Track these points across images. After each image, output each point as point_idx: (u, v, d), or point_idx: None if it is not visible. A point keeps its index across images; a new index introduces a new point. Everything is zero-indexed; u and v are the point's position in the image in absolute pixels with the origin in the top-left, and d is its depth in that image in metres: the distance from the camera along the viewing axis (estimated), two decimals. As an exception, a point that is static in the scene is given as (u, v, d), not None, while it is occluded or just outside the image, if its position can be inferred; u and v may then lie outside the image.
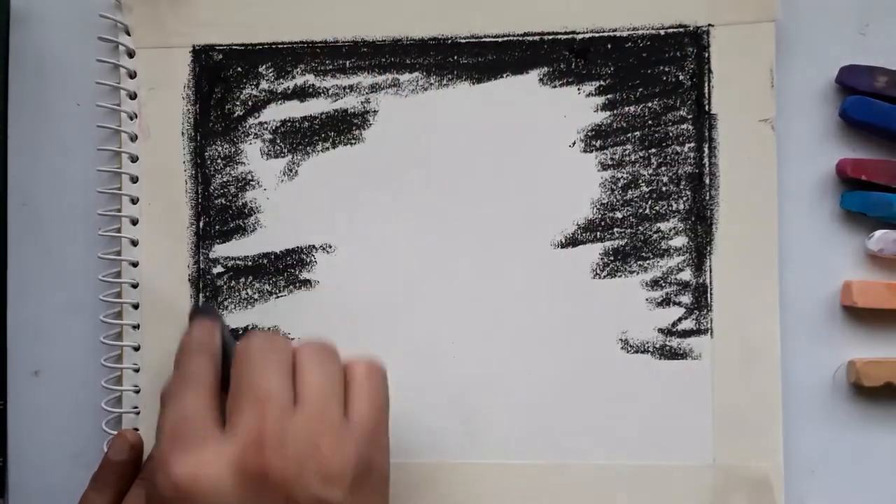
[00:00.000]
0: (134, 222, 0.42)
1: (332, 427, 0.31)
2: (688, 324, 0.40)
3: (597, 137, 0.40)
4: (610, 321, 0.40)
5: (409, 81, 0.41)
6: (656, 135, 0.40)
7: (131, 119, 0.42)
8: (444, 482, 0.40)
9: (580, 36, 0.40)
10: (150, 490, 0.31)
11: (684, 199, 0.40)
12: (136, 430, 0.41)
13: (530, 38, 0.41)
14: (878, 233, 0.39)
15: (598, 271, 0.40)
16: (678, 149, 0.40)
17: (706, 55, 0.40)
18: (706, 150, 0.40)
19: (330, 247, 0.41)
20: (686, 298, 0.40)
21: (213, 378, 0.33)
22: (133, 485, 0.40)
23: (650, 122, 0.40)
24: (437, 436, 0.40)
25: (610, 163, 0.40)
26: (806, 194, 0.40)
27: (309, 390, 0.32)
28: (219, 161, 0.42)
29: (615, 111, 0.40)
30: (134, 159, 0.42)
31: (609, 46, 0.40)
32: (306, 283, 0.41)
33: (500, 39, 0.41)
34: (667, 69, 0.40)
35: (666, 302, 0.40)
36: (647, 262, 0.40)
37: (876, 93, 0.39)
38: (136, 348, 0.42)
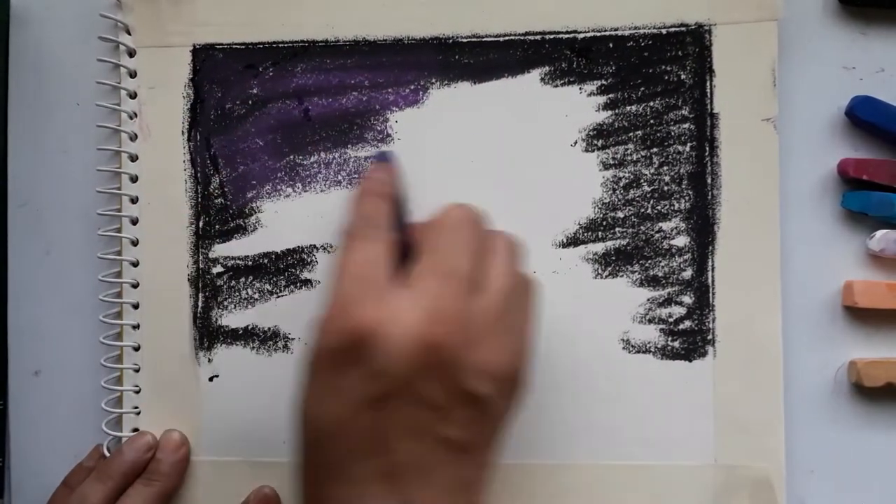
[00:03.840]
0: (134, 222, 0.42)
1: (506, 327, 0.31)
2: (689, 323, 0.40)
3: (598, 137, 0.40)
4: (611, 321, 0.40)
5: (410, 80, 0.41)
6: (658, 134, 0.40)
7: (131, 118, 0.42)
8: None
9: (582, 35, 0.40)
10: (321, 334, 0.30)
11: (686, 198, 0.40)
12: (136, 429, 0.41)
13: (532, 38, 0.41)
14: (880, 233, 0.39)
15: (600, 271, 0.40)
16: (680, 148, 0.40)
17: (708, 54, 0.40)
18: (708, 149, 0.40)
19: (330, 246, 0.41)
20: (688, 298, 0.40)
21: (390, 223, 0.33)
22: (136, 482, 0.40)
23: (652, 121, 0.40)
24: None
25: (612, 162, 0.40)
26: (807, 194, 0.40)
27: (495, 283, 0.31)
28: (219, 160, 0.42)
29: (617, 110, 0.40)
30: (134, 159, 0.42)
31: (611, 45, 0.40)
32: (307, 282, 0.41)
33: (501, 39, 0.41)
34: (668, 68, 0.40)
35: (668, 302, 0.40)
36: (649, 261, 0.40)
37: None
38: (136, 348, 0.41)
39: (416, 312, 0.29)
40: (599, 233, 0.40)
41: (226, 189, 0.42)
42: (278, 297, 0.41)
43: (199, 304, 0.42)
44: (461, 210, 0.33)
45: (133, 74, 0.42)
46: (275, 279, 0.41)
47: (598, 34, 0.40)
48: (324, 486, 0.30)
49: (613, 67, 0.40)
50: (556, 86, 0.40)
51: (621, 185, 0.40)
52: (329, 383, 0.30)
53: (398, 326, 0.29)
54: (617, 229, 0.40)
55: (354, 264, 0.31)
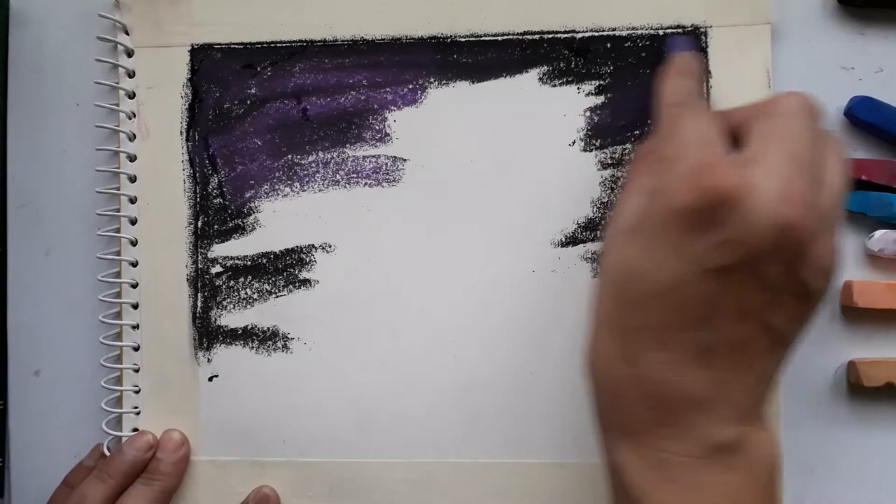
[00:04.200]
0: (133, 222, 0.42)
1: (835, 225, 0.29)
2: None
3: (596, 136, 0.40)
4: (609, 321, 0.40)
5: (409, 80, 0.41)
6: (656, 134, 0.40)
7: (130, 118, 0.42)
8: (444, 480, 0.40)
9: (580, 35, 0.40)
10: (674, 192, 0.28)
11: (684, 198, 0.40)
12: (136, 429, 0.41)
13: (530, 37, 0.40)
14: (879, 233, 0.39)
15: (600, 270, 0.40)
16: (678, 148, 0.40)
17: (704, 56, 0.39)
18: (706, 149, 0.40)
19: (330, 246, 0.41)
20: (686, 298, 0.40)
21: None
22: (136, 482, 0.40)
23: (650, 121, 0.40)
24: (438, 434, 0.40)
25: (610, 161, 0.40)
26: (806, 194, 0.40)
27: (831, 177, 0.30)
28: (217, 160, 0.42)
29: (615, 110, 0.40)
30: (132, 159, 0.42)
31: (608, 46, 0.40)
32: (306, 282, 0.41)
33: (499, 38, 0.41)
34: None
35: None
36: (647, 262, 0.40)
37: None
38: (136, 348, 0.42)
39: (772, 190, 0.27)
40: (598, 232, 0.40)
41: (224, 189, 0.42)
42: (277, 296, 0.41)
43: (199, 304, 0.42)
44: (797, 97, 0.31)
45: (131, 74, 0.42)
46: (273, 279, 0.41)
47: (596, 34, 0.40)
48: (636, 346, 0.29)
49: (611, 67, 0.40)
50: (555, 85, 0.40)
51: (620, 184, 0.40)
52: (673, 242, 0.28)
53: (759, 198, 0.27)
54: (615, 230, 0.40)
55: (695, 131, 0.30)
